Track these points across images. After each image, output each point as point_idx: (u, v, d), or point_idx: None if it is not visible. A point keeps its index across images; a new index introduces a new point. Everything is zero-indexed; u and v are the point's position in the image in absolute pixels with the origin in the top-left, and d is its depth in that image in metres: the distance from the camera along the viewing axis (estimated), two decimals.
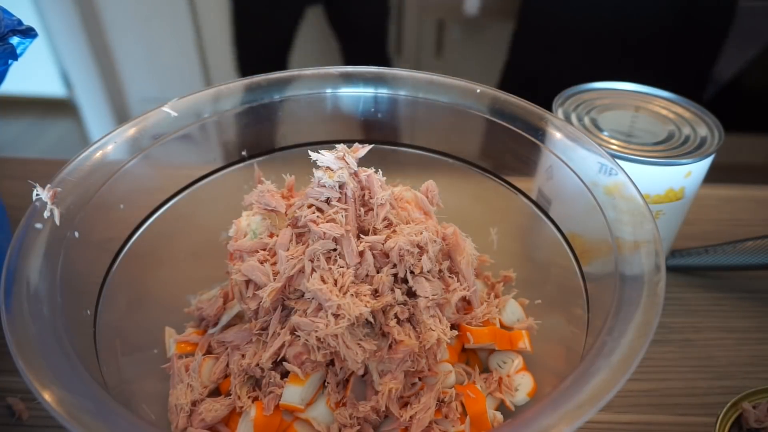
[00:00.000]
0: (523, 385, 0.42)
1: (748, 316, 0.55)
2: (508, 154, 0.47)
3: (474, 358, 0.46)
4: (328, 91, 0.49)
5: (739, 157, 1.84)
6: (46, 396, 0.27)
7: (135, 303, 0.44)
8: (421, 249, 0.40)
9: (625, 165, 0.48)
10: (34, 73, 2.09)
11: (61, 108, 2.19)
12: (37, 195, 0.37)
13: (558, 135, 0.43)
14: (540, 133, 0.44)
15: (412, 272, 0.40)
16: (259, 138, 0.50)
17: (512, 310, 0.46)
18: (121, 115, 1.99)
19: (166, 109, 0.45)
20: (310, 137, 0.51)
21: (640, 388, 0.48)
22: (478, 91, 0.47)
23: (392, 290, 0.39)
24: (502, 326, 0.45)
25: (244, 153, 0.50)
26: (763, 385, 0.42)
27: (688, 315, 0.54)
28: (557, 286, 0.45)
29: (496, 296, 0.47)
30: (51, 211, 0.37)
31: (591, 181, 0.40)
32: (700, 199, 0.66)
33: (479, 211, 0.51)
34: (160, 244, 0.46)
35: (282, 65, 1.59)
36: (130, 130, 0.44)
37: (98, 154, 0.42)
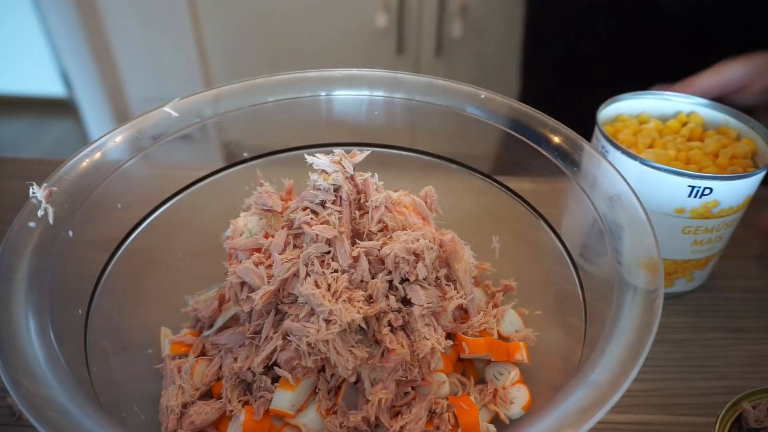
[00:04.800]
0: (518, 398, 0.41)
1: (748, 316, 0.54)
2: (512, 161, 0.47)
3: (470, 369, 0.45)
4: (331, 93, 0.49)
5: None
6: (21, 394, 0.27)
7: (130, 302, 0.44)
8: (417, 256, 0.39)
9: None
10: (34, 73, 2.10)
11: (61, 108, 2.19)
12: (33, 194, 0.37)
13: (564, 146, 0.43)
14: (543, 141, 0.44)
15: (407, 279, 0.40)
16: (260, 140, 0.50)
17: (511, 321, 0.45)
18: (121, 115, 1.99)
19: (167, 109, 0.45)
20: (312, 140, 0.50)
21: (640, 388, 0.48)
22: (483, 96, 0.47)
23: (386, 297, 0.39)
24: (500, 337, 0.45)
25: (245, 155, 0.49)
26: (763, 385, 0.42)
27: (688, 315, 0.54)
28: (557, 295, 0.44)
29: (495, 306, 0.47)
30: (45, 209, 0.37)
31: (596, 193, 0.40)
32: None
33: (482, 218, 0.51)
34: (158, 244, 0.46)
35: None
36: (129, 130, 0.44)
37: (97, 154, 0.42)
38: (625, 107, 0.57)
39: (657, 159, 0.49)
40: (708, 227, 0.50)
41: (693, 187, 0.47)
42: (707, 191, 0.47)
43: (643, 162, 0.48)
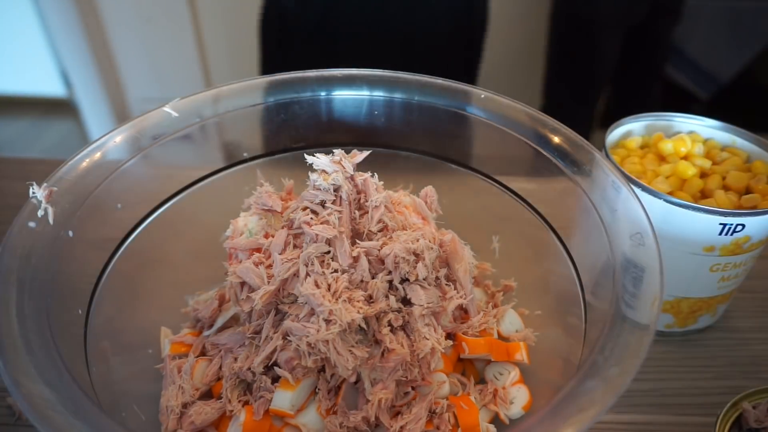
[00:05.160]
0: (518, 398, 0.41)
1: (749, 316, 0.54)
2: (512, 161, 0.47)
3: (470, 369, 0.45)
4: (331, 93, 0.49)
5: None
6: (21, 394, 0.28)
7: (130, 302, 0.44)
8: (417, 256, 0.39)
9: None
10: (34, 73, 2.10)
11: (61, 108, 2.19)
12: (33, 194, 0.37)
13: (564, 146, 0.43)
14: (543, 141, 0.44)
15: (407, 279, 0.40)
16: (260, 140, 0.50)
17: (511, 321, 0.45)
18: (121, 115, 1.99)
19: (167, 109, 0.45)
20: (312, 140, 0.50)
21: (641, 388, 0.48)
22: (483, 96, 0.47)
23: (386, 297, 0.39)
24: (500, 337, 0.45)
25: (245, 155, 0.49)
26: (763, 385, 0.42)
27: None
28: (557, 295, 0.44)
29: (495, 306, 0.47)
30: (45, 210, 0.37)
31: (596, 198, 0.40)
32: None
33: (482, 218, 0.51)
34: (158, 244, 0.46)
35: None
36: (129, 130, 0.44)
37: (97, 154, 0.42)
38: (626, 131, 0.55)
39: (681, 195, 0.46)
40: (736, 263, 0.47)
41: (725, 225, 0.44)
42: (739, 228, 0.44)
43: (668, 200, 0.44)
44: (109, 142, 0.42)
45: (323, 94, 0.49)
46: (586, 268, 0.40)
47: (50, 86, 2.15)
